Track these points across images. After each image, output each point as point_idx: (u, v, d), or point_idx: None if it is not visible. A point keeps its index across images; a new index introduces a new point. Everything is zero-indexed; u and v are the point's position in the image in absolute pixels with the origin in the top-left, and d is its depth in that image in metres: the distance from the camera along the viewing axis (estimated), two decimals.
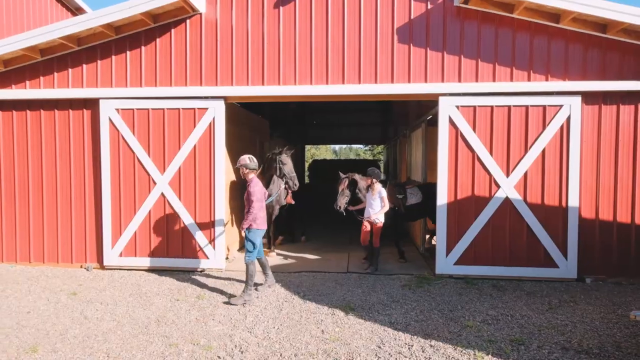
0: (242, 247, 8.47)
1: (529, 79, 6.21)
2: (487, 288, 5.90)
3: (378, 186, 6.60)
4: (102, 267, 6.88)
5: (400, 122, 14.03)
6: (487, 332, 4.42)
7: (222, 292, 5.75)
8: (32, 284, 6.11)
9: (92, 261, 6.93)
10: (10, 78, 6.88)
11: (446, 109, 6.34)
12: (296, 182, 7.31)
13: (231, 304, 5.23)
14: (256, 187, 5.53)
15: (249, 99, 6.80)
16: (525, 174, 6.23)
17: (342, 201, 6.82)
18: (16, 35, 6.42)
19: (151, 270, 6.77)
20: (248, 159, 5.62)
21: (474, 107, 6.30)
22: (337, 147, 59.95)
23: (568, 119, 6.12)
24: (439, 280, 6.23)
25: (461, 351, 3.97)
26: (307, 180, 19.08)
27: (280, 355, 3.92)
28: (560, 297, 5.52)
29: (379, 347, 4.08)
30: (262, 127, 10.57)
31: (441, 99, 6.35)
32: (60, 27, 6.23)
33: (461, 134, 6.33)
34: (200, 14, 6.58)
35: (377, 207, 6.63)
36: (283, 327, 4.57)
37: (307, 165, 21.27)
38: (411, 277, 6.39)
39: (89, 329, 4.52)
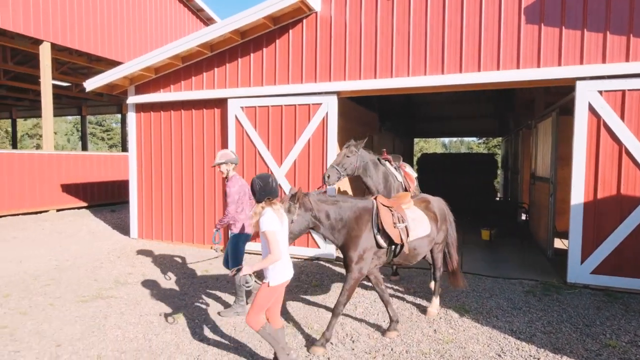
0: None
1: None
2: (636, 304, 5.02)
3: (264, 214, 3.25)
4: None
5: (523, 112, 12.69)
6: (637, 355, 3.78)
7: (331, 280, 5.94)
8: (173, 259, 7.12)
9: (222, 243, 7.77)
10: (159, 83, 8.07)
11: (585, 95, 5.53)
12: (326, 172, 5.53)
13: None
14: (233, 188, 4.75)
15: (361, 92, 6.84)
16: None
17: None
18: (164, 46, 7.48)
19: None
20: (232, 153, 4.90)
21: (623, 91, 5.38)
22: (447, 140, 57.02)
23: None
24: (571, 290, 5.52)
25: None
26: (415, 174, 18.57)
27: (391, 350, 3.91)
28: None
29: (499, 356, 3.79)
30: (371, 120, 10.58)
31: (579, 84, 5.56)
32: (198, 37, 7.07)
33: (604, 123, 5.47)
34: (316, 12, 6.82)
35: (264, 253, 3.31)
36: None
37: (415, 159, 20.67)
38: (536, 284, 5.78)
39: (217, 305, 5.08)
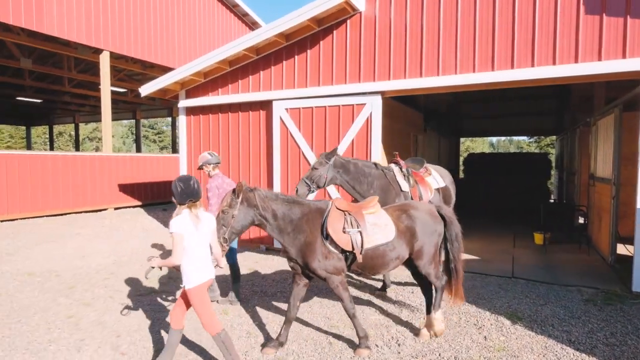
0: None
1: None
2: None
3: (178, 215, 3.30)
4: (273, 248, 7.83)
5: (581, 109, 11.93)
6: None
7: (379, 281, 5.89)
8: None
9: (265, 243, 7.96)
10: (207, 87, 8.38)
11: None
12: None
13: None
14: (212, 183, 5.02)
15: (406, 92, 6.72)
16: None
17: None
18: (213, 51, 7.76)
19: None
20: (209, 155, 5.18)
21: None
22: (494, 139, 54.83)
23: None
24: (637, 300, 5.11)
25: None
26: (461, 175, 18.00)
27: (439, 355, 3.81)
28: None
29: None
30: (415, 120, 10.37)
31: None
32: (244, 41, 7.27)
33: None
34: (360, 12, 6.80)
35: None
36: None
37: (461, 159, 20.04)
38: (596, 292, 5.40)
39: (265, 302, 5.20)
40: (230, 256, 5.21)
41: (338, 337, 4.20)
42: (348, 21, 6.91)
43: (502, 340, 4.10)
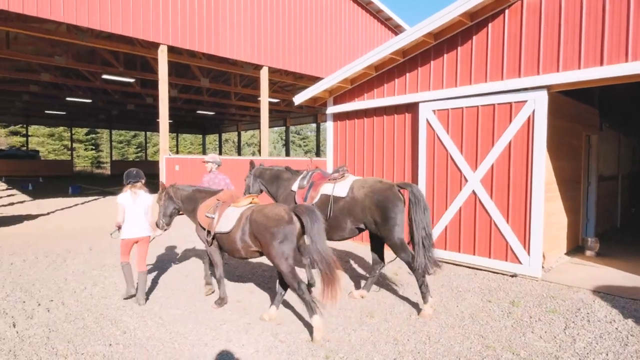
0: (571, 252, 7.32)
1: None
2: None
3: (122, 192, 5.28)
4: None
5: None
6: None
7: (538, 304, 5.17)
8: (365, 261, 7.47)
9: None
10: (354, 93, 8.65)
11: None
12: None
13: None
14: (205, 177, 6.46)
15: (581, 84, 5.74)
16: None
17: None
18: (361, 57, 7.98)
19: (459, 265, 6.92)
20: (218, 157, 6.81)
21: None
22: None
23: None
24: None
25: None
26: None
27: None
28: None
29: None
30: (588, 117, 8.80)
31: None
32: (391, 44, 7.27)
33: None
34: (521, 0, 6.10)
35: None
36: None
37: None
38: None
39: (411, 309, 5.07)
40: None
41: (494, 359, 3.81)
42: (506, 11, 6.28)
43: None
